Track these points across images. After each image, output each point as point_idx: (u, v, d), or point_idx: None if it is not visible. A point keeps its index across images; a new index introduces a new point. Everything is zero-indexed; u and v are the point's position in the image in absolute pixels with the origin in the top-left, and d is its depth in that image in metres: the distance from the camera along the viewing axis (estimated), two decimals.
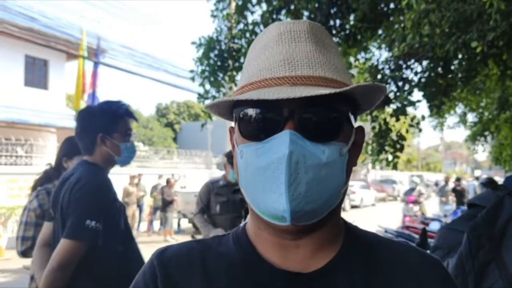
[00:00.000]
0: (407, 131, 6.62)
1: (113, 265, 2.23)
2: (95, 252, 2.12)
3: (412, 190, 14.97)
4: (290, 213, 0.69)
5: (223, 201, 4.40)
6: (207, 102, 6.49)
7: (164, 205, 13.33)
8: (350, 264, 0.80)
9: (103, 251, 2.16)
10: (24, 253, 3.16)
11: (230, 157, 4.38)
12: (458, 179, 16.97)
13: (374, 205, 26.99)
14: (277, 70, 0.75)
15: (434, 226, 8.47)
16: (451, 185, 17.04)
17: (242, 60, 6.48)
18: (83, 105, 13.64)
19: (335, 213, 0.81)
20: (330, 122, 0.75)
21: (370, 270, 0.80)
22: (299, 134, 0.71)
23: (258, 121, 0.76)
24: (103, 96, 14.30)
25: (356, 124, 0.84)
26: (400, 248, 0.87)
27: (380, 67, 6.31)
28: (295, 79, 0.73)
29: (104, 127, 2.30)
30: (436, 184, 32.89)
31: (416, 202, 14.41)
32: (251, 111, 0.76)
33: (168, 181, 13.77)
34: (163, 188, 13.62)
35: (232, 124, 0.86)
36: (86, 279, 2.12)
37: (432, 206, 18.41)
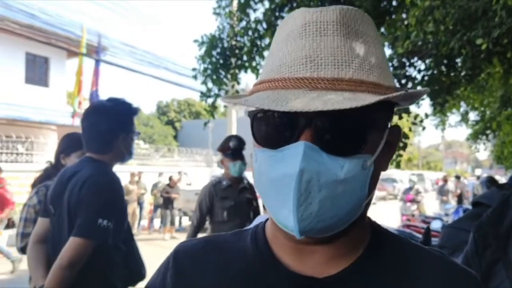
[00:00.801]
0: (410, 130, 6.60)
1: (119, 265, 2.25)
2: (104, 251, 2.12)
3: (410, 189, 14.75)
4: (299, 232, 0.64)
5: (231, 205, 3.90)
6: (209, 100, 6.53)
7: (167, 202, 13.33)
8: (368, 271, 0.74)
9: (111, 250, 2.18)
10: (24, 250, 3.12)
11: (225, 149, 4.03)
12: (457, 177, 16.96)
13: (375, 204, 26.96)
14: (297, 68, 0.66)
15: (436, 225, 8.44)
16: (450, 184, 16.99)
17: (244, 58, 6.46)
18: (84, 103, 13.65)
19: (357, 224, 0.73)
20: (353, 134, 0.66)
21: (392, 279, 0.74)
22: (316, 145, 0.64)
23: (272, 128, 0.69)
24: (104, 94, 14.26)
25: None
26: (431, 257, 0.79)
27: None
28: (316, 82, 0.64)
29: (125, 127, 2.32)
30: (435, 183, 32.86)
31: (414, 201, 14.18)
32: (265, 116, 0.70)
33: (170, 179, 13.78)
34: (166, 186, 13.63)
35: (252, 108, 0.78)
36: (95, 277, 2.13)
37: (431, 205, 18.37)
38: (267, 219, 0.85)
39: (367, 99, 0.62)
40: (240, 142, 4.06)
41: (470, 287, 0.77)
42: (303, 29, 0.69)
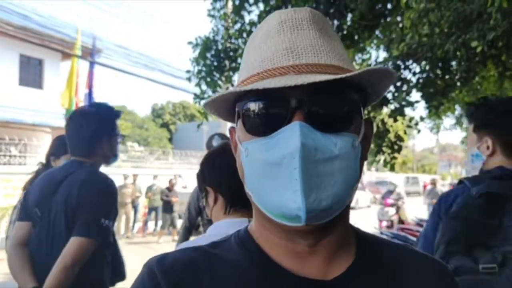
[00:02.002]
0: (405, 132, 6.60)
1: (108, 263, 2.35)
2: (101, 250, 2.24)
3: (390, 192, 13.96)
4: (306, 211, 0.63)
5: None
6: (204, 101, 6.51)
7: (166, 206, 13.29)
8: (368, 268, 0.77)
9: (106, 248, 2.31)
10: None
11: (209, 149, 4.06)
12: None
13: (370, 207, 27.00)
14: (280, 59, 0.70)
15: None
16: (439, 187, 16.72)
17: (239, 60, 6.45)
18: (78, 104, 13.59)
19: (345, 217, 0.76)
20: (342, 111, 0.70)
21: (385, 273, 0.78)
22: (309, 125, 0.66)
23: (264, 114, 0.70)
24: (98, 96, 14.22)
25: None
26: (404, 250, 0.85)
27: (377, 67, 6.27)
28: (300, 67, 0.68)
29: (108, 130, 2.42)
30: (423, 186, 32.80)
31: (393, 205, 13.36)
32: (255, 104, 0.70)
33: (170, 182, 13.77)
34: (166, 189, 13.61)
35: (233, 124, 0.81)
36: (94, 276, 2.25)
37: (420, 210, 18.24)
38: (246, 226, 0.83)
39: (347, 74, 0.66)
40: (223, 140, 4.04)
41: (443, 277, 0.83)
42: (280, 26, 0.74)
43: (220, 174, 1.68)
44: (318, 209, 0.65)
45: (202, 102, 6.52)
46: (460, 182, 1.88)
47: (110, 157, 2.45)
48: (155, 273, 0.72)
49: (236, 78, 6.46)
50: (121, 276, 2.55)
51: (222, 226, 1.62)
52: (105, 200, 2.24)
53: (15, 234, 2.35)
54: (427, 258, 0.85)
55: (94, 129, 2.34)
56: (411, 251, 0.86)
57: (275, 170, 0.66)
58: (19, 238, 2.32)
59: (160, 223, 14.98)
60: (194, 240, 1.59)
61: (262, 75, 0.71)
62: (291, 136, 0.65)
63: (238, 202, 1.67)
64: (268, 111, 0.70)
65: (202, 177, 1.74)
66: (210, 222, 1.76)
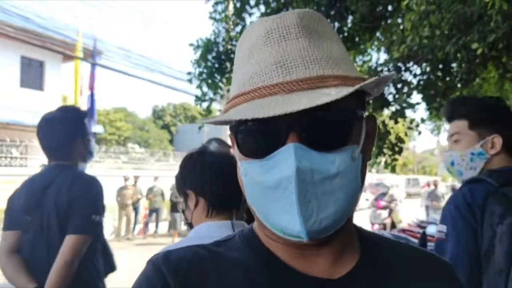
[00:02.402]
0: (406, 134, 6.60)
1: (102, 256, 2.52)
2: (95, 245, 2.38)
3: (383, 194, 13.64)
4: (306, 233, 0.63)
5: None
6: (204, 121, 6.47)
7: (175, 207, 13.28)
8: (373, 267, 0.77)
9: (99, 243, 2.44)
10: None
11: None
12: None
13: (370, 208, 26.95)
14: (269, 76, 0.67)
15: (432, 230, 8.43)
16: (440, 189, 16.37)
17: None
18: (82, 107, 13.64)
19: (350, 218, 0.75)
20: (337, 126, 0.68)
21: (389, 272, 0.78)
22: (304, 145, 0.64)
23: (258, 137, 0.69)
24: (99, 98, 14.24)
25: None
26: (406, 248, 0.85)
27: (378, 69, 6.28)
28: (291, 85, 0.65)
29: (81, 132, 2.50)
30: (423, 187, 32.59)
31: (386, 208, 13.09)
32: (248, 128, 0.69)
33: None
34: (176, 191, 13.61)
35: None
36: (91, 271, 2.37)
37: (418, 211, 18.00)
38: (251, 224, 0.83)
39: (342, 91, 0.63)
40: (220, 145, 4.06)
41: (446, 274, 0.83)
42: (267, 37, 0.70)
43: (202, 177, 1.66)
44: (319, 230, 0.65)
45: (204, 104, 6.54)
46: (477, 180, 1.80)
47: (86, 155, 2.55)
48: (161, 269, 0.71)
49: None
50: (111, 267, 2.66)
51: (204, 229, 1.61)
52: (94, 197, 2.36)
53: (5, 244, 2.38)
54: (433, 258, 0.85)
55: (68, 133, 2.44)
56: (415, 250, 0.86)
57: (274, 193, 0.66)
58: (9, 246, 2.37)
59: (160, 224, 15.00)
60: (177, 243, 1.58)
61: (252, 94, 0.68)
62: (286, 159, 0.64)
63: (220, 205, 1.66)
64: (262, 134, 0.68)
65: (182, 180, 1.71)
66: (189, 225, 1.75)
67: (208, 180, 1.64)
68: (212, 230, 1.57)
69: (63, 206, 2.28)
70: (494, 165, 1.85)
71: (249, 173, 0.70)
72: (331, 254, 0.74)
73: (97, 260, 2.44)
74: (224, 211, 1.67)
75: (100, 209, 2.36)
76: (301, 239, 0.65)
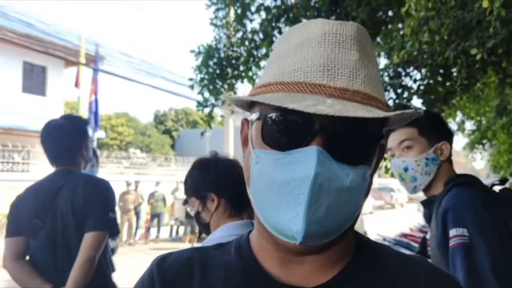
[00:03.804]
0: None
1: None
2: (107, 241, 2.54)
3: None
4: (304, 236, 0.64)
5: None
6: (206, 110, 6.53)
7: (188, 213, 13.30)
8: (356, 279, 0.75)
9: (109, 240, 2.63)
10: None
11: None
12: None
13: (372, 213, 26.92)
14: (314, 75, 0.68)
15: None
16: None
17: (241, 68, 6.47)
18: (85, 112, 13.68)
19: (347, 233, 0.75)
20: (363, 143, 0.69)
21: (377, 283, 0.76)
22: (327, 152, 0.65)
23: (285, 129, 0.68)
24: (101, 102, 14.27)
25: None
26: (411, 262, 0.81)
27: None
28: (333, 90, 0.66)
29: (84, 138, 2.66)
30: None
31: None
32: (279, 116, 0.68)
33: None
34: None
35: (247, 115, 0.79)
36: (103, 263, 2.51)
37: (420, 217, 17.92)
38: (250, 231, 0.85)
39: (380, 112, 0.65)
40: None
41: None
42: (323, 38, 0.70)
43: (225, 180, 1.76)
44: (315, 234, 0.66)
45: (205, 109, 6.55)
46: (464, 183, 1.81)
47: (88, 160, 2.72)
48: (153, 272, 0.80)
49: (238, 86, 6.47)
50: (112, 266, 2.75)
51: (234, 228, 1.70)
52: (108, 196, 2.54)
53: (10, 250, 2.42)
54: (434, 270, 0.81)
55: (74, 140, 2.58)
56: (419, 263, 0.81)
57: (283, 188, 0.66)
58: (16, 253, 2.42)
59: (162, 229, 14.98)
60: (207, 241, 1.69)
61: (291, 87, 0.68)
62: (307, 160, 0.64)
63: (240, 205, 1.76)
64: (290, 127, 0.68)
65: (203, 183, 1.79)
66: (205, 226, 1.82)
67: (230, 182, 1.74)
68: (238, 228, 1.68)
69: (79, 206, 2.41)
70: (445, 172, 1.91)
71: (262, 161, 0.70)
72: (316, 262, 0.74)
73: (108, 254, 2.65)
74: (243, 211, 1.78)
75: (114, 207, 2.55)
76: (294, 240, 0.66)
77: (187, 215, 13.32)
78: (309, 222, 0.64)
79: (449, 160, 1.94)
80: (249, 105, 0.79)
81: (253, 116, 0.75)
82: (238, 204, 1.77)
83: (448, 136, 1.95)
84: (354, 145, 0.68)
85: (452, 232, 1.64)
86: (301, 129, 0.66)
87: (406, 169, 1.92)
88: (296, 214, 0.64)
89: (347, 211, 0.69)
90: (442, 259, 1.73)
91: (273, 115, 0.69)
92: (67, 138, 2.54)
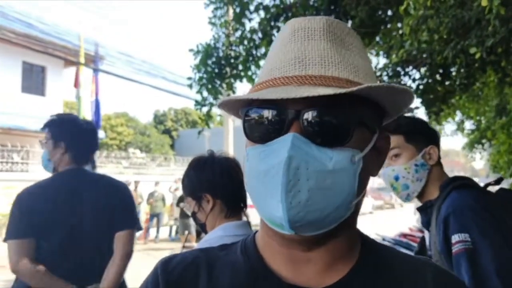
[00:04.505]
0: None
1: None
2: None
3: None
4: (288, 222, 0.64)
5: None
6: (204, 109, 6.53)
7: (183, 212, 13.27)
8: (364, 280, 0.75)
9: None
10: None
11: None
12: None
13: (372, 213, 26.92)
14: (287, 69, 0.71)
15: None
16: None
17: (240, 67, 6.46)
18: (87, 112, 13.68)
19: (349, 225, 0.75)
20: (340, 124, 0.68)
21: (384, 284, 0.76)
22: (304, 137, 0.66)
23: (263, 122, 0.71)
24: (102, 103, 14.27)
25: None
26: (418, 264, 0.81)
27: (378, 73, 6.29)
28: (304, 79, 0.68)
29: (97, 140, 2.76)
30: None
31: None
32: (256, 112, 0.72)
33: None
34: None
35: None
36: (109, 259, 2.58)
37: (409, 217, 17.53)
38: (256, 231, 0.85)
39: (344, 89, 0.65)
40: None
41: None
42: (292, 35, 0.74)
43: (221, 181, 1.75)
44: (303, 221, 0.65)
45: (204, 109, 6.54)
46: (463, 186, 1.79)
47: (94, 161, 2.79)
48: (158, 273, 0.78)
49: (237, 85, 6.47)
50: None
51: (231, 228, 1.72)
52: (130, 195, 2.70)
53: (25, 252, 2.30)
54: (441, 271, 0.82)
55: (96, 144, 2.71)
56: (425, 265, 0.82)
57: (265, 178, 0.67)
58: (31, 255, 2.31)
59: (161, 229, 14.95)
60: (202, 242, 1.72)
61: (267, 83, 0.72)
62: (282, 146, 0.66)
63: (236, 205, 1.77)
64: (267, 120, 0.70)
65: (198, 183, 1.78)
66: (202, 226, 1.82)
67: (226, 183, 1.75)
68: (236, 229, 1.71)
69: (104, 206, 2.48)
70: (436, 175, 1.90)
71: (250, 158, 0.73)
72: (322, 261, 0.74)
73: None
74: (238, 211, 1.80)
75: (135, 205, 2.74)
76: (284, 229, 0.66)
77: (181, 214, 13.31)
78: (290, 207, 0.64)
79: (439, 164, 1.93)
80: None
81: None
82: (235, 204, 1.77)
83: (434, 139, 1.94)
84: (331, 127, 0.68)
85: (455, 238, 1.61)
86: (278, 120, 0.69)
87: (396, 178, 1.91)
88: (278, 201, 0.65)
89: (336, 197, 0.67)
90: (446, 264, 1.69)
91: (249, 111, 0.73)
92: (95, 140, 2.69)
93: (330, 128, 0.68)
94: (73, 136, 2.55)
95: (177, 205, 13.48)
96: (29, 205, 2.37)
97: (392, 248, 0.85)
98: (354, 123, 0.70)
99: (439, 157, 1.93)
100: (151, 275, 0.80)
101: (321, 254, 0.73)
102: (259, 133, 0.72)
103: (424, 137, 1.93)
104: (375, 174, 0.79)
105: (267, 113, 0.70)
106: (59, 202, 2.39)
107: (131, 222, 2.58)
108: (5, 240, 2.34)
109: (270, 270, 0.75)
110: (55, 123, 2.61)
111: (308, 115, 0.67)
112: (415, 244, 7.42)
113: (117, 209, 2.52)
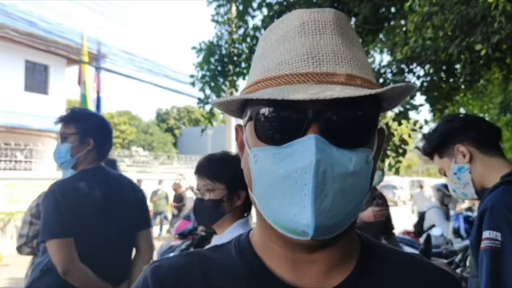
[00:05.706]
0: (409, 136, 6.58)
1: None
2: None
3: None
4: (314, 229, 0.61)
5: None
6: (215, 101, 6.46)
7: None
8: (366, 280, 0.74)
9: None
10: (19, 249, 3.37)
11: None
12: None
13: None
14: (299, 65, 0.66)
15: (436, 232, 8.37)
16: (426, 190, 15.87)
17: (242, 65, 6.45)
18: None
19: (353, 226, 0.73)
20: (360, 126, 0.66)
21: (385, 284, 0.75)
22: (325, 139, 0.63)
23: (278, 122, 0.66)
24: (104, 101, 14.28)
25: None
26: (413, 261, 0.81)
27: (382, 71, 6.26)
28: (320, 76, 0.65)
29: None
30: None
31: None
32: (270, 111, 0.66)
33: (191, 188, 13.77)
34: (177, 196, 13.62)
35: (240, 121, 0.78)
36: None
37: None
38: (249, 231, 0.82)
39: (367, 90, 0.62)
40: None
41: (451, 286, 0.81)
42: (302, 28, 0.70)
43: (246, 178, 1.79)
44: (327, 226, 0.63)
45: (206, 106, 6.54)
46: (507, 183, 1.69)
47: None
48: (148, 282, 0.73)
49: (240, 83, 6.44)
50: None
51: (247, 225, 1.81)
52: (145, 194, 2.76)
53: (72, 252, 2.21)
54: (435, 269, 0.82)
55: (112, 142, 2.68)
56: (420, 262, 0.82)
57: (285, 183, 0.63)
58: (77, 255, 2.22)
59: (164, 227, 14.97)
60: (223, 236, 1.82)
61: (279, 80, 0.67)
62: (306, 150, 0.62)
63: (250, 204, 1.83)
64: (283, 120, 0.66)
65: (240, 177, 1.77)
66: (213, 216, 1.87)
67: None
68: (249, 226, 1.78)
69: (132, 205, 2.54)
70: (480, 170, 1.85)
71: (260, 160, 0.68)
72: (325, 263, 0.72)
73: None
74: (249, 210, 1.88)
75: None
76: (306, 236, 0.63)
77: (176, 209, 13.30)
78: (318, 213, 0.61)
79: (481, 155, 1.85)
80: (241, 111, 0.77)
81: (246, 118, 0.74)
82: (251, 205, 1.81)
83: (454, 137, 1.92)
84: (351, 128, 0.66)
85: (485, 234, 1.57)
86: (295, 120, 0.64)
87: (454, 191, 1.97)
88: (303, 206, 0.61)
89: (354, 198, 0.66)
90: (473, 257, 1.69)
91: (265, 110, 0.67)
92: (111, 139, 2.66)
93: (352, 129, 0.66)
94: (102, 132, 2.51)
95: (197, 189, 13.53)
96: (68, 203, 2.26)
97: (389, 246, 0.84)
98: (372, 123, 0.69)
99: (482, 146, 1.85)
100: (141, 284, 0.74)
101: (325, 256, 0.71)
102: (273, 134, 0.67)
103: (448, 143, 1.94)
104: (376, 169, 0.76)
105: (284, 113, 0.66)
106: (95, 200, 2.35)
107: (150, 221, 2.70)
108: (45, 239, 2.22)
109: (272, 273, 0.73)
110: (79, 117, 2.47)
111: (329, 116, 0.64)
112: (418, 242, 7.41)
113: (142, 208, 2.63)
